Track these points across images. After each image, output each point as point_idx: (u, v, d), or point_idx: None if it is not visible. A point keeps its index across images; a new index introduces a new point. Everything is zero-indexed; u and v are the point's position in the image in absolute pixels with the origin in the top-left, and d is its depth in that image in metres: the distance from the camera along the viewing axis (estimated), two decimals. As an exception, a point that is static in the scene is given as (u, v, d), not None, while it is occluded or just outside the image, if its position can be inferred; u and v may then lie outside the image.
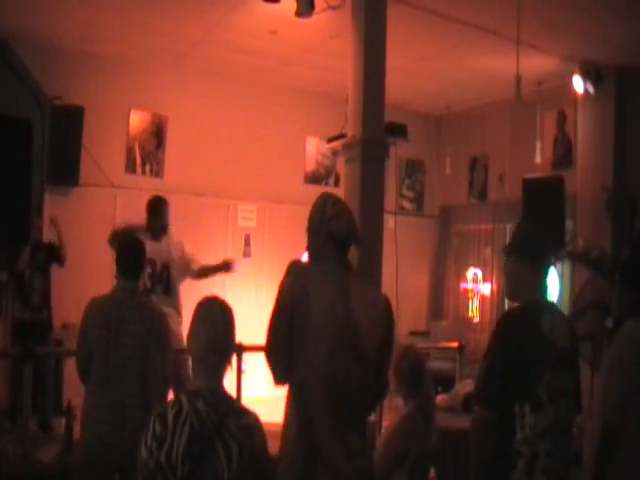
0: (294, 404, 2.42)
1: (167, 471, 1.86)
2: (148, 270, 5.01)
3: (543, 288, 2.54)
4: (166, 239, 5.29)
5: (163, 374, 3.13)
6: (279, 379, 2.46)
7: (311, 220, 2.56)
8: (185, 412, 1.92)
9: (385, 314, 2.52)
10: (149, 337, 3.13)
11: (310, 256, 2.59)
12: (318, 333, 2.37)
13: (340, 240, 2.51)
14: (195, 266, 5.37)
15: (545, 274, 2.53)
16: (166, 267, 5.20)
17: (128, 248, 3.44)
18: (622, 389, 2.37)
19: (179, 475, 1.86)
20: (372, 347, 2.44)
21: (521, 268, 2.48)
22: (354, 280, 2.53)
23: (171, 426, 1.90)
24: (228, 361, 2.10)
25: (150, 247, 4.74)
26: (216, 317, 2.09)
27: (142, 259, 3.44)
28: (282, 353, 2.41)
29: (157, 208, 5.28)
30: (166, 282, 5.19)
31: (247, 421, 1.97)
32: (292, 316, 2.39)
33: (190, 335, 2.10)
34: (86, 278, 6.33)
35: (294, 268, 2.49)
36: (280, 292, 2.45)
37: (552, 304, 2.66)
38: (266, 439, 2.02)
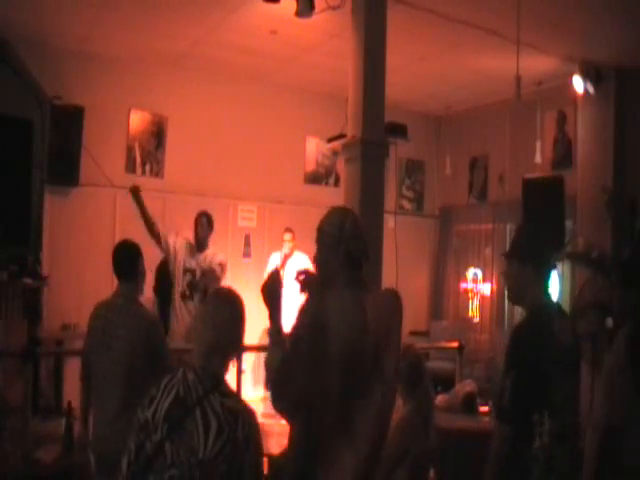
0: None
1: (150, 428, 1.99)
2: (188, 278, 5.71)
3: (546, 291, 2.53)
4: (207, 252, 5.81)
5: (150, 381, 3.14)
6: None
7: (326, 234, 2.44)
8: (176, 379, 2.05)
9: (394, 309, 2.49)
10: (137, 343, 3.15)
11: (320, 271, 2.50)
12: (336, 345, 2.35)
13: (357, 259, 2.45)
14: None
15: (548, 277, 2.52)
16: (208, 274, 5.70)
17: (122, 253, 3.41)
18: (622, 391, 2.37)
19: (159, 434, 1.97)
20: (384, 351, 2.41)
21: (524, 272, 2.46)
22: (368, 296, 2.47)
23: (162, 388, 2.04)
24: (230, 360, 2.13)
25: (192, 257, 5.74)
26: (223, 316, 2.11)
27: (137, 263, 3.39)
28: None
29: (195, 220, 5.84)
30: (203, 292, 5.63)
31: (233, 404, 2.00)
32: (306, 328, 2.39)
33: (196, 331, 2.15)
34: (86, 278, 6.33)
35: (313, 291, 2.46)
36: (300, 315, 2.45)
37: (557, 305, 2.64)
38: (257, 436, 2.02)
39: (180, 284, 5.73)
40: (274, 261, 6.86)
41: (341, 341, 2.34)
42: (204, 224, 5.82)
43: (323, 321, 2.38)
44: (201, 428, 1.94)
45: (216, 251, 5.93)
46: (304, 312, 2.46)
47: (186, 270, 5.74)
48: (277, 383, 2.36)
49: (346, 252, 2.41)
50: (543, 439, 2.27)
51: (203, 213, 5.89)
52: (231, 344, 2.11)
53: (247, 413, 2.01)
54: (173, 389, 2.02)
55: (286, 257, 6.90)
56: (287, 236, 6.95)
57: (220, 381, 2.06)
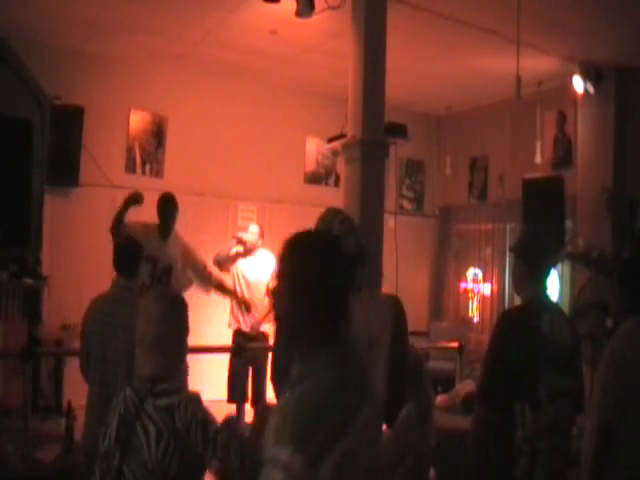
0: None
1: (109, 456, 1.98)
2: (149, 267, 4.84)
3: (543, 288, 2.55)
4: (172, 240, 5.09)
5: None
6: None
7: None
8: (118, 399, 2.07)
9: (394, 315, 2.50)
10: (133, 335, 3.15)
11: None
12: None
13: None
14: (201, 266, 5.31)
15: (545, 275, 2.54)
16: (167, 270, 5.02)
17: (123, 247, 3.54)
18: (620, 388, 2.37)
19: (115, 461, 1.96)
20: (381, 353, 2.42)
21: (522, 269, 2.50)
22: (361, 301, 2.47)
23: (110, 414, 2.05)
24: (175, 357, 2.13)
25: (153, 245, 4.80)
26: (156, 309, 2.13)
27: (137, 258, 3.51)
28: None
29: (160, 207, 5.10)
30: (164, 285, 4.94)
31: (167, 401, 2.00)
32: None
33: (137, 328, 2.17)
34: (86, 278, 6.33)
35: None
36: None
37: (554, 303, 2.67)
38: (199, 415, 2.01)
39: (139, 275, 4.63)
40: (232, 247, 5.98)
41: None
42: (172, 210, 5.08)
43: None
44: (143, 439, 1.94)
45: (176, 236, 5.18)
46: None
47: (146, 259, 4.51)
48: None
49: None
50: (525, 431, 2.28)
51: (167, 198, 5.15)
52: (169, 336, 2.11)
53: (184, 402, 2.00)
54: (116, 411, 2.04)
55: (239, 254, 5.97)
56: (254, 227, 6.08)
57: (156, 381, 2.05)
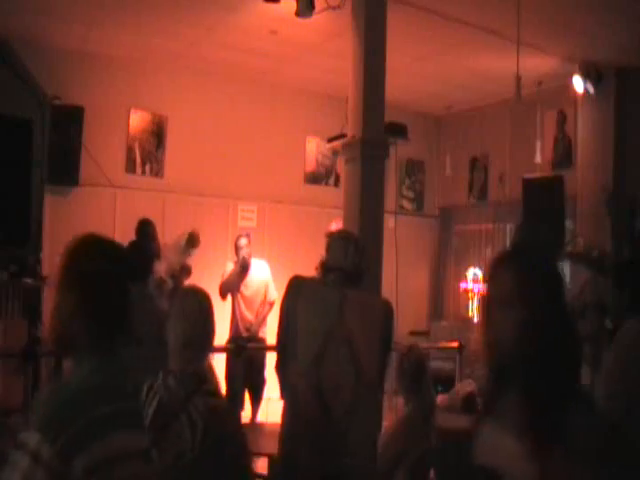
0: (289, 409, 2.46)
1: None
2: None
3: None
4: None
5: None
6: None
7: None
8: (156, 386, 2.06)
9: (383, 317, 2.58)
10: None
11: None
12: (305, 342, 2.42)
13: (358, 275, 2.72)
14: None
15: None
16: (187, 271, 5.40)
17: (134, 251, 3.51)
18: (623, 388, 2.38)
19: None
20: (369, 348, 2.47)
21: None
22: (350, 291, 2.57)
23: (144, 396, 2.05)
24: (204, 352, 2.16)
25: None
26: (191, 309, 2.15)
27: (152, 265, 3.52)
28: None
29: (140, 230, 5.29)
30: (172, 290, 5.22)
31: (217, 403, 2.05)
32: (287, 330, 2.45)
33: (168, 328, 2.17)
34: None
35: (289, 284, 2.58)
36: (280, 309, 2.55)
37: None
38: (241, 434, 2.08)
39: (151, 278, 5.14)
40: (228, 269, 6.00)
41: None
42: (150, 233, 5.28)
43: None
44: (188, 431, 1.97)
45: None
46: (288, 313, 2.65)
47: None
48: None
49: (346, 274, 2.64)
50: None
51: (147, 222, 5.39)
52: (206, 335, 2.15)
53: (231, 410, 2.06)
54: (155, 397, 2.05)
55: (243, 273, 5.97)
56: (243, 241, 5.99)
57: (203, 380, 2.09)
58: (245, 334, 5.82)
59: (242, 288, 5.90)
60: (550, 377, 1.37)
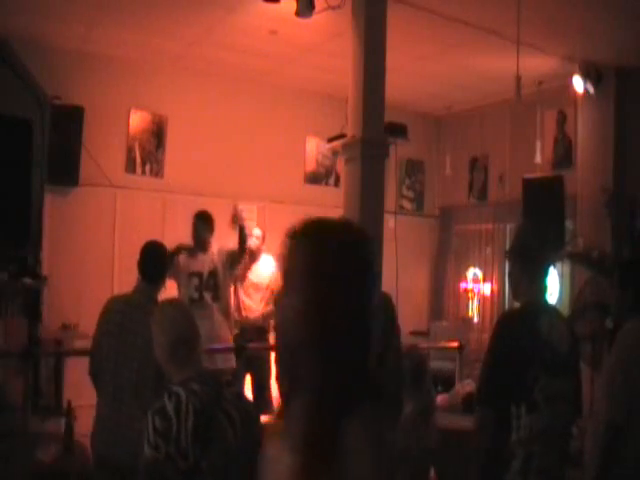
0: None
1: (177, 459, 1.91)
2: (195, 282, 5.43)
3: (542, 290, 2.54)
4: (210, 251, 5.62)
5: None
6: None
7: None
8: (184, 398, 1.99)
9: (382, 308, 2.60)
10: (150, 342, 3.13)
11: None
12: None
13: None
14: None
15: (544, 276, 2.53)
16: (213, 274, 5.49)
17: (150, 253, 3.47)
18: (625, 389, 2.37)
19: (191, 459, 1.91)
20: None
21: (519, 271, 2.49)
22: None
23: (174, 416, 1.95)
24: (196, 350, 2.17)
25: (195, 260, 5.47)
26: (172, 315, 2.18)
27: (163, 265, 3.51)
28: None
29: (193, 223, 5.62)
30: (214, 289, 5.45)
31: (235, 389, 2.09)
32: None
33: (154, 342, 2.19)
34: (86, 278, 6.33)
35: None
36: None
37: (552, 306, 2.66)
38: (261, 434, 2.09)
39: (186, 290, 5.43)
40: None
41: None
42: (204, 224, 5.61)
43: None
44: (228, 425, 1.99)
45: (222, 245, 5.72)
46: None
47: (192, 274, 5.48)
48: None
49: None
50: (520, 433, 2.27)
51: (198, 214, 5.67)
52: (192, 336, 2.17)
53: (255, 411, 2.10)
54: (189, 409, 1.96)
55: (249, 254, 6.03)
56: (257, 231, 6.22)
57: (215, 376, 2.12)
58: (251, 320, 5.86)
59: (249, 275, 5.96)
60: (331, 373, 1.12)
